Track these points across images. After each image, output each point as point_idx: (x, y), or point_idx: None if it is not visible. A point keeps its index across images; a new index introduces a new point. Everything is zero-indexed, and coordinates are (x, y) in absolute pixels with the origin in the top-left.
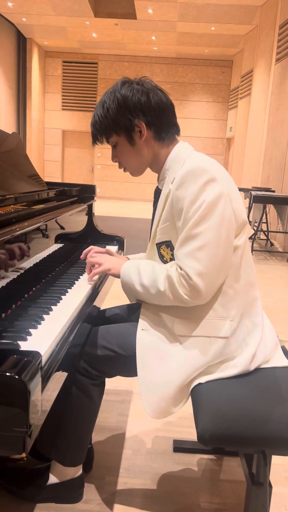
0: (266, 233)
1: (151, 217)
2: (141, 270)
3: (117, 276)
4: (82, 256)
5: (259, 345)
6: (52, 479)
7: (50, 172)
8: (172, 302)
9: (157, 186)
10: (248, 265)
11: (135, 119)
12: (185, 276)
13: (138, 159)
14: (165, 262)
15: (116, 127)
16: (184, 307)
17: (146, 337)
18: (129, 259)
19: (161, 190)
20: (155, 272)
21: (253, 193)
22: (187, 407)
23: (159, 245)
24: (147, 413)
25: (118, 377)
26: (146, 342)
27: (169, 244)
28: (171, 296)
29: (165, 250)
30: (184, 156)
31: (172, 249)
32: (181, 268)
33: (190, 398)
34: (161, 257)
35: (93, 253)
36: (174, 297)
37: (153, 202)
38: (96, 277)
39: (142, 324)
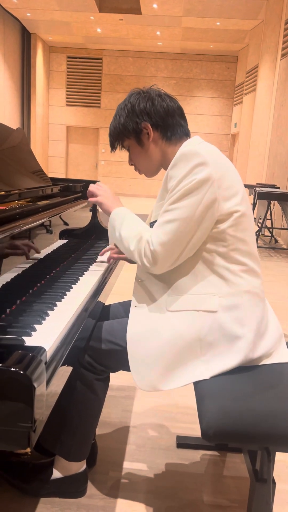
0: (271, 229)
1: None
2: (125, 221)
3: (106, 213)
4: (100, 254)
5: (262, 335)
6: (56, 474)
7: (54, 168)
8: (138, 262)
9: None
10: (244, 252)
11: (141, 122)
12: (149, 242)
13: (148, 159)
14: None
15: (126, 131)
16: (175, 284)
17: (138, 313)
18: None
19: None
20: (134, 230)
21: (258, 189)
22: (190, 403)
23: (152, 224)
24: (135, 383)
25: (122, 373)
26: (137, 319)
27: None
28: (136, 256)
29: None
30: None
31: None
32: (151, 235)
33: (194, 394)
34: None
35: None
36: (139, 258)
37: None
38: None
39: (135, 301)
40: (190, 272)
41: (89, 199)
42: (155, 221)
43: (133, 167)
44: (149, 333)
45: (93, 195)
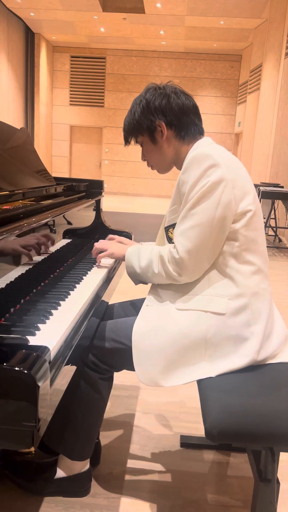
0: (275, 229)
1: (158, 212)
2: (140, 254)
3: (121, 259)
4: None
5: (268, 336)
6: (60, 473)
7: (58, 168)
8: (165, 280)
9: None
10: (255, 251)
11: (156, 120)
12: (174, 252)
13: (160, 156)
14: None
15: (140, 128)
16: (187, 285)
17: (148, 311)
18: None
19: None
20: (152, 255)
21: (262, 188)
22: (194, 402)
23: (167, 229)
24: (137, 377)
25: (125, 372)
26: (146, 315)
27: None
28: (163, 274)
29: (173, 233)
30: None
31: None
32: (174, 246)
33: (198, 394)
34: (169, 240)
35: (100, 240)
36: (166, 274)
37: None
38: (105, 261)
39: (148, 300)
40: (204, 276)
41: (100, 256)
42: (169, 225)
43: (135, 167)
44: (155, 329)
45: (102, 250)
